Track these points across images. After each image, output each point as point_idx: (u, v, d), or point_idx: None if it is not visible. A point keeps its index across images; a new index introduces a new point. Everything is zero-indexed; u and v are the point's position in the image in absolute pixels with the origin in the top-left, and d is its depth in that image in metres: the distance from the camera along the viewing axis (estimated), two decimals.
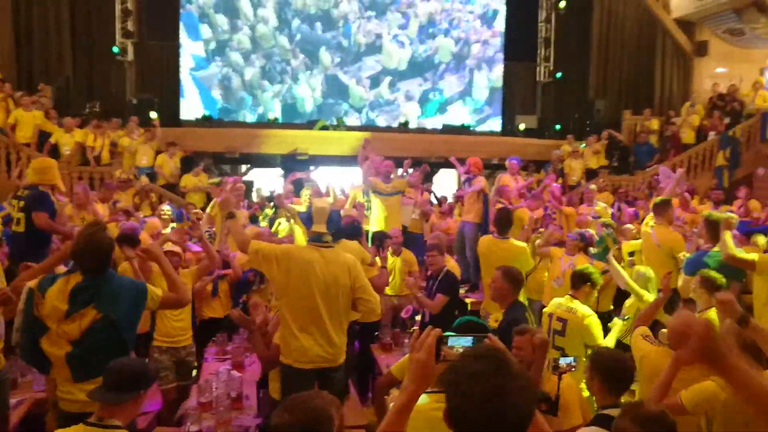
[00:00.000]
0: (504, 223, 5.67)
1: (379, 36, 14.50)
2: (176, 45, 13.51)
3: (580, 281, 4.12)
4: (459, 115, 14.96)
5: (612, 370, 2.73)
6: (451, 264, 5.52)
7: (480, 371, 1.32)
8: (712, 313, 3.74)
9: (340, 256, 3.63)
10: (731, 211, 7.38)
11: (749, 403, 1.12)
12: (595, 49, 14.82)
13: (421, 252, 6.23)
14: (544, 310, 4.32)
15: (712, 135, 11.86)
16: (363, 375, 5.46)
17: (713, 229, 4.85)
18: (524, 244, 5.80)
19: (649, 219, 5.74)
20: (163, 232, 6.22)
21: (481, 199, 7.07)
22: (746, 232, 5.97)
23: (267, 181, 12.75)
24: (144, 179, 9.91)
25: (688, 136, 12.24)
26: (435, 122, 14.76)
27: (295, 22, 14.12)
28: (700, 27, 13.98)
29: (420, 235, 7.51)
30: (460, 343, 1.47)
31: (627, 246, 6.18)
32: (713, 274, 4.02)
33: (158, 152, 10.60)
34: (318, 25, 14.24)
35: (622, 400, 2.74)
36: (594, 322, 3.93)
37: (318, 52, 14.23)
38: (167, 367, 4.37)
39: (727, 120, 12.17)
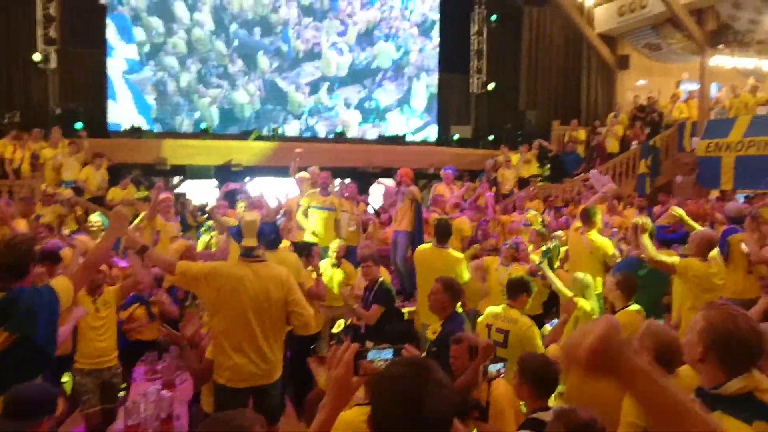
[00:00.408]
0: (443, 232, 5.71)
1: (317, 42, 14.49)
2: (103, 53, 13.03)
3: (517, 290, 4.11)
4: (398, 123, 15.12)
5: (540, 374, 2.79)
6: (385, 274, 5.52)
7: (401, 374, 1.33)
8: (623, 316, 3.91)
9: (272, 269, 3.57)
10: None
11: (649, 415, 1.05)
12: (525, 61, 15.33)
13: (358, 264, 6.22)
14: (480, 320, 4.28)
15: (634, 144, 12.46)
16: (300, 389, 5.38)
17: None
18: (461, 255, 5.86)
19: (579, 224, 5.88)
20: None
21: (413, 209, 7.13)
22: (663, 242, 6.25)
23: (200, 192, 12.45)
24: (68, 192, 9.47)
25: (612, 145, 12.81)
26: (375, 129, 14.88)
27: (233, 27, 13.93)
28: (622, 42, 14.70)
29: (356, 247, 7.50)
30: (380, 356, 1.47)
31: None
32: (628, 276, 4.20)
33: (85, 164, 10.17)
34: (256, 30, 14.09)
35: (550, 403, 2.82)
36: (536, 331, 3.97)
37: (256, 57, 14.07)
38: (90, 390, 4.15)
39: (647, 130, 12.83)
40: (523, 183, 11.87)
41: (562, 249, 6.21)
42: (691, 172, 11.77)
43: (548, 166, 12.87)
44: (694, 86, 13.19)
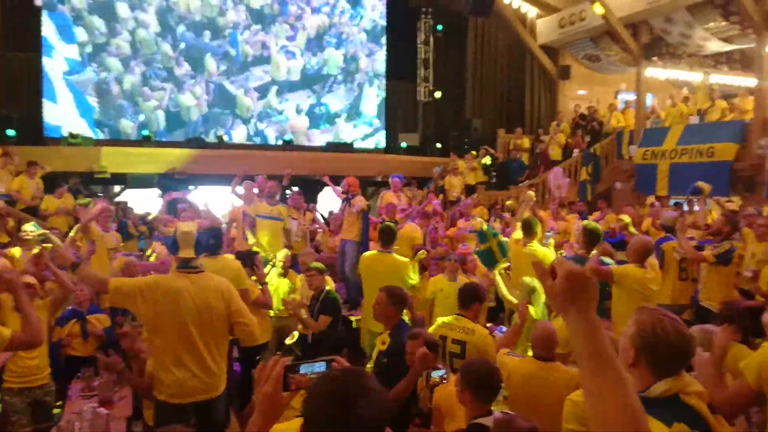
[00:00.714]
0: (388, 236, 5.71)
1: (266, 46, 14.36)
2: (38, 57, 12.53)
3: (470, 299, 4.02)
4: (347, 129, 15.13)
5: (482, 379, 2.81)
6: (330, 283, 5.48)
7: (336, 377, 1.35)
8: (560, 321, 3.97)
9: (212, 280, 3.50)
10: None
11: (581, 357, 1.17)
12: (471, 71, 15.62)
13: None
14: (431, 330, 4.18)
15: (576, 152, 12.84)
16: (245, 402, 5.28)
17: (590, 237, 5.09)
18: (407, 259, 5.86)
19: (520, 236, 5.86)
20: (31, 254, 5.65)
21: (361, 218, 7.13)
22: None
23: (143, 201, 12.09)
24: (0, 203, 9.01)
25: (555, 153, 13.18)
26: (325, 135, 14.85)
27: (180, 29, 13.65)
28: (563, 53, 15.16)
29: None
30: (313, 369, 1.46)
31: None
32: None
33: (18, 173, 9.72)
34: (205, 33, 13.86)
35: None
36: (492, 340, 3.93)
37: (203, 60, 13.82)
38: (20, 411, 3.95)
39: (588, 138, 13.25)
40: (470, 190, 12.06)
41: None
42: (629, 178, 12.20)
43: (494, 173, 13.11)
44: (632, 96, 13.72)
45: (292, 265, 6.26)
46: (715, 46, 12.49)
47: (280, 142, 14.27)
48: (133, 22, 13.27)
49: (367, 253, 5.94)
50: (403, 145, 14.70)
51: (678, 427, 1.70)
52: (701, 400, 1.79)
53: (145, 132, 12.96)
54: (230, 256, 5.15)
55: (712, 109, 11.69)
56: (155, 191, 11.63)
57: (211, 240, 4.29)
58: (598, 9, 12.22)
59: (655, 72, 13.38)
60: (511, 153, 13.46)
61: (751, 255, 6.01)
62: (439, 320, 4.13)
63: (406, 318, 4.37)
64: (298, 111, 14.76)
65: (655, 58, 12.94)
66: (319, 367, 1.46)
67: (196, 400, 3.35)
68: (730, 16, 11.12)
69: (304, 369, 1.45)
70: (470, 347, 3.79)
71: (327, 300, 4.89)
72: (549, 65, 15.13)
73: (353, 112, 15.33)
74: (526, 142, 13.87)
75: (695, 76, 13.52)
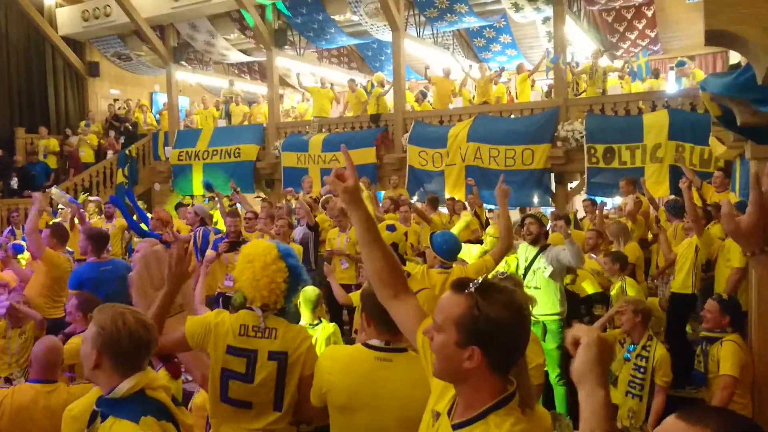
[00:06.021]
0: None
1: None
2: None
3: None
4: None
5: None
6: None
7: None
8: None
9: None
10: None
11: None
12: None
13: None
14: None
15: (110, 154, 12.24)
16: None
17: (96, 242, 4.81)
18: None
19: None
20: None
21: None
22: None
23: None
24: None
25: (87, 155, 12.28)
26: None
27: None
28: (91, 48, 14.21)
29: None
30: None
31: None
32: None
33: None
34: None
35: None
36: None
37: None
38: None
39: (123, 140, 12.79)
40: None
41: None
42: (167, 179, 12.33)
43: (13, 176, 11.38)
44: (166, 98, 13.83)
45: None
46: (236, 56, 13.67)
47: None
48: None
49: None
50: None
51: (147, 420, 1.68)
52: (167, 393, 1.81)
53: None
54: None
55: (235, 113, 12.75)
56: None
57: None
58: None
59: (186, 76, 13.83)
60: (34, 155, 11.91)
61: None
62: None
63: None
64: None
65: (184, 63, 13.35)
66: None
67: None
68: (245, 30, 12.31)
69: None
70: None
71: None
72: (75, 60, 13.95)
73: None
74: (52, 142, 12.46)
75: (222, 83, 14.51)
